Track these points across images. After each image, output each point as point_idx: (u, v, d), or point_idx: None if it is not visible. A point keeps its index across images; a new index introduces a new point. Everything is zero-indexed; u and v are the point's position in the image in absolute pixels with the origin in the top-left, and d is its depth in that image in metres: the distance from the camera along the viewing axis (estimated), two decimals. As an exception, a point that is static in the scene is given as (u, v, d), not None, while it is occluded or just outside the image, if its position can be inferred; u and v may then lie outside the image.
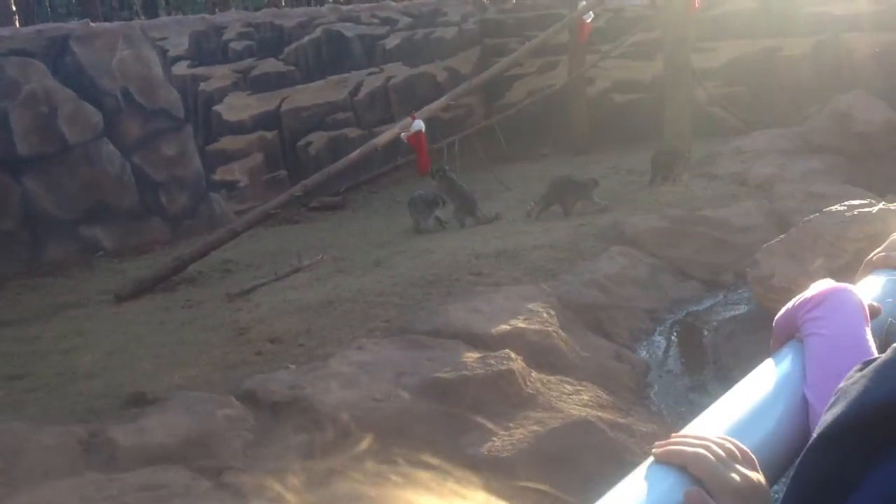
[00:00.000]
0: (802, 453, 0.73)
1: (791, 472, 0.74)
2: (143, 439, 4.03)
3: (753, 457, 0.94)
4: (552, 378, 4.64)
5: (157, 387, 4.99)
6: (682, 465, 0.90)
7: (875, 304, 1.28)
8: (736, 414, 1.03)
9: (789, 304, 1.28)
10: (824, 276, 4.21)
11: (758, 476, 0.91)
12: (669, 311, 6.25)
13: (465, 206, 9.00)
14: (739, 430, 1.00)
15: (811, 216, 5.67)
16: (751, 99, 12.38)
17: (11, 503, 3.51)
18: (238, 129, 11.55)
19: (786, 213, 7.34)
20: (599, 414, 4.21)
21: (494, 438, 3.95)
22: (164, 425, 4.15)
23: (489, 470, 3.76)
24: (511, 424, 4.05)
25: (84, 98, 9.70)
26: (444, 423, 4.13)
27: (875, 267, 1.48)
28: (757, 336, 4.88)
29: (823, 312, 1.21)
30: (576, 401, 4.41)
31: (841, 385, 0.77)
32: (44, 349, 6.24)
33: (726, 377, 5.05)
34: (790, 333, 1.27)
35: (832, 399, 0.76)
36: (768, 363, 1.19)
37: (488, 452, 3.82)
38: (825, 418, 0.74)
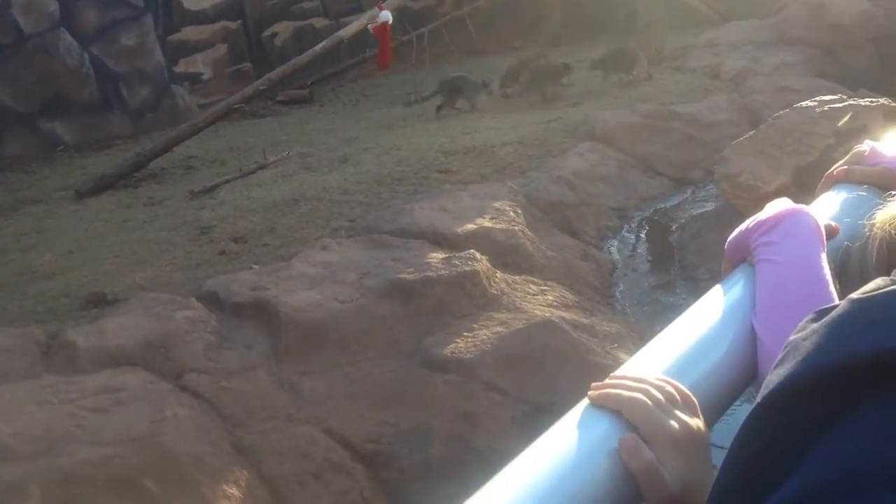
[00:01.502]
0: (746, 417, 0.68)
1: (732, 439, 0.68)
2: (102, 341, 3.98)
3: (694, 400, 0.89)
4: (517, 278, 4.62)
5: (118, 287, 4.91)
6: (617, 409, 0.85)
7: (833, 223, 1.22)
8: (680, 348, 0.98)
9: (742, 226, 1.22)
10: (792, 174, 4.14)
11: (697, 422, 0.87)
12: (637, 208, 6.21)
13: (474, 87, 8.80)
14: (682, 367, 0.95)
15: (781, 112, 5.60)
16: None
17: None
18: (200, 18, 11.17)
19: (757, 107, 7.26)
20: (563, 314, 4.20)
21: (458, 340, 3.94)
22: (123, 327, 4.10)
23: (452, 371, 3.76)
24: (475, 325, 4.04)
25: (37, -15, 9.31)
26: (407, 325, 4.11)
27: (835, 181, 1.42)
28: (723, 234, 4.82)
29: (777, 237, 1.15)
30: (540, 301, 4.40)
31: (791, 337, 0.70)
32: (2, 247, 6.12)
33: (692, 276, 5.06)
34: (742, 256, 1.22)
35: (781, 354, 0.70)
36: (717, 290, 1.14)
37: (451, 354, 3.82)
38: (771, 378, 0.68)
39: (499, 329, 3.99)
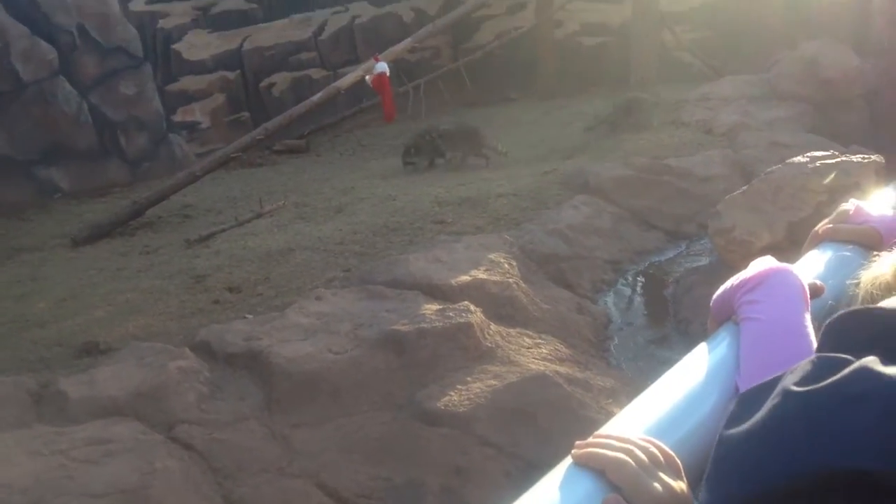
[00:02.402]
0: None
1: None
2: (93, 391, 3.95)
3: (678, 462, 0.90)
4: (512, 331, 4.61)
5: (111, 336, 4.90)
6: (601, 469, 0.85)
7: (818, 282, 1.23)
8: (664, 407, 0.99)
9: (727, 284, 1.24)
10: (785, 230, 4.16)
11: (680, 485, 0.87)
12: (632, 261, 6.23)
13: (475, 141, 8.85)
14: (666, 426, 0.95)
15: (774, 167, 5.65)
16: (719, 44, 12.30)
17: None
18: (199, 68, 11.30)
19: (750, 162, 7.31)
20: (558, 368, 4.19)
21: (452, 393, 3.92)
22: (115, 377, 4.07)
23: (445, 424, 3.74)
24: (469, 378, 4.02)
25: (38, 34, 9.42)
26: (401, 377, 4.09)
27: (821, 239, 1.44)
28: (717, 289, 4.86)
29: (761, 296, 1.16)
30: (535, 354, 4.39)
31: (728, 432, 0.69)
32: (-4, 295, 6.11)
33: (686, 330, 5.06)
34: (727, 314, 1.23)
35: (725, 433, 0.69)
36: (702, 348, 1.15)
37: (445, 407, 3.80)
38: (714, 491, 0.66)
39: (493, 382, 3.97)
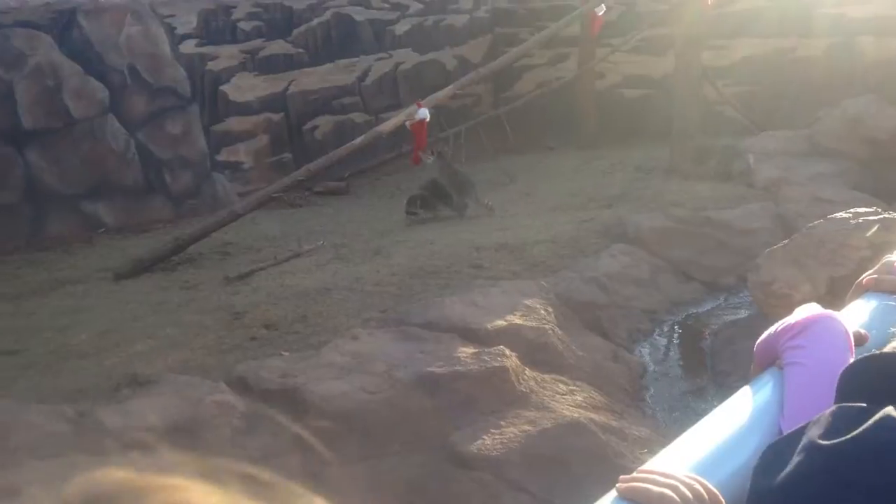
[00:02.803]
0: None
1: None
2: (130, 422, 4.00)
3: (722, 500, 0.90)
4: (546, 377, 4.60)
5: (150, 368, 4.95)
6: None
7: (862, 331, 1.23)
8: (708, 446, 0.99)
9: (771, 329, 1.24)
10: (826, 285, 4.12)
11: None
12: (669, 312, 6.20)
13: (466, 191, 8.95)
14: (710, 465, 0.96)
15: (815, 222, 5.61)
16: (761, 99, 12.28)
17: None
18: (244, 109, 11.49)
19: (791, 217, 7.27)
20: (592, 416, 4.17)
21: (485, 436, 3.91)
22: (152, 409, 4.11)
23: (478, 468, 3.73)
24: (502, 423, 4.01)
25: (90, 73, 9.64)
26: (434, 419, 4.09)
27: (865, 290, 1.44)
28: (756, 341, 4.80)
29: (805, 341, 1.16)
30: (569, 401, 4.37)
31: (759, 484, 0.69)
32: (39, 325, 6.21)
33: (724, 382, 5.01)
34: (771, 360, 1.23)
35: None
36: (745, 391, 1.15)
37: (478, 450, 3.78)
38: None
39: (527, 427, 3.96)
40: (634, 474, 0.90)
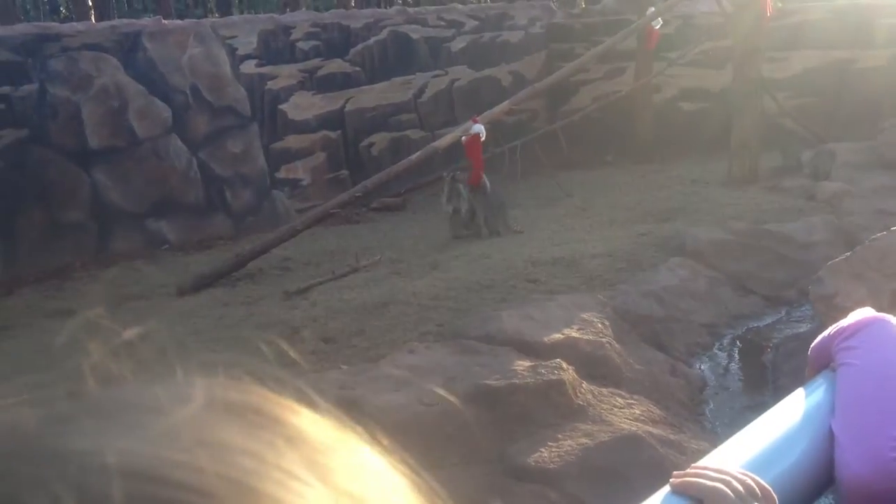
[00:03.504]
0: None
1: None
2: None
3: (774, 496, 0.91)
4: (603, 390, 4.58)
5: (211, 382, 5.04)
6: (699, 497, 0.87)
7: None
8: (759, 445, 1.00)
9: (825, 332, 1.24)
10: (889, 298, 4.07)
11: None
12: (729, 326, 6.13)
13: (497, 212, 8.90)
14: (761, 463, 0.97)
15: (879, 234, 5.51)
16: (822, 111, 12.10)
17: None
18: (303, 128, 11.67)
19: (853, 229, 7.15)
20: (650, 429, 4.14)
21: (542, 449, 3.91)
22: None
23: (535, 481, 3.73)
24: (559, 436, 4.01)
25: (154, 94, 9.90)
26: (491, 431, 4.10)
27: None
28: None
29: (858, 342, 1.16)
30: (626, 414, 4.35)
31: None
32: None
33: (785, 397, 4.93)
34: (825, 362, 1.23)
35: None
36: (798, 393, 1.16)
37: (535, 463, 3.79)
38: None
39: (584, 440, 3.95)
40: (688, 470, 0.92)
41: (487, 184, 9.07)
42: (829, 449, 1.05)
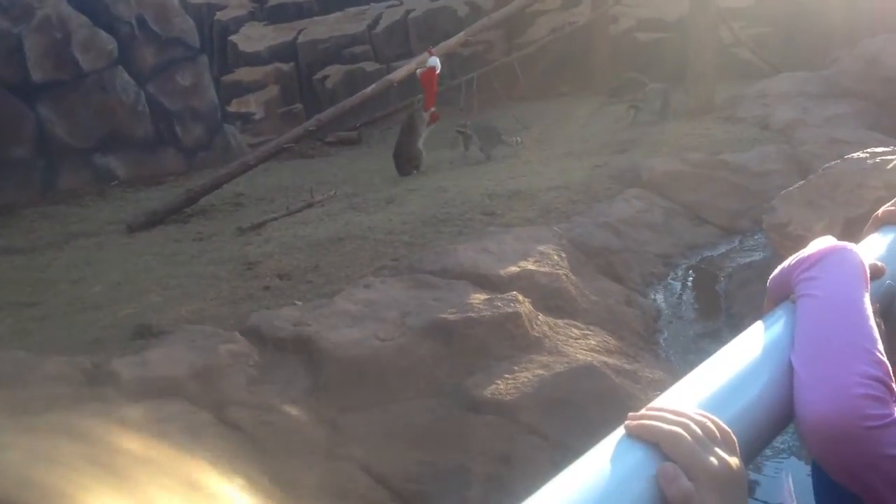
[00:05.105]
0: None
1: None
2: (145, 372, 4.01)
3: (734, 437, 0.87)
4: (560, 322, 4.59)
5: (164, 319, 4.97)
6: (655, 442, 0.83)
7: (878, 263, 1.19)
8: (718, 382, 0.96)
9: (785, 263, 1.20)
10: (843, 225, 4.07)
11: (735, 461, 0.85)
12: (683, 256, 6.16)
13: (492, 136, 9.01)
14: (720, 401, 0.93)
15: (831, 163, 5.54)
16: (778, 41, 12.09)
17: (12, 433, 3.52)
18: (254, 60, 11.43)
19: (807, 158, 7.19)
20: (605, 359, 4.16)
21: (498, 381, 3.91)
22: (167, 358, 4.13)
23: (492, 413, 3.73)
24: (516, 368, 4.01)
25: (98, 25, 9.59)
26: (448, 365, 4.09)
27: (883, 223, 1.40)
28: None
29: (819, 272, 1.12)
30: (582, 345, 4.36)
31: None
32: (54, 278, 6.25)
33: (739, 324, 4.98)
34: (784, 294, 1.19)
35: None
36: (757, 325, 1.12)
37: (491, 395, 3.79)
38: None
39: (540, 372, 3.95)
40: (643, 412, 0.87)
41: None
42: (788, 383, 1.02)
